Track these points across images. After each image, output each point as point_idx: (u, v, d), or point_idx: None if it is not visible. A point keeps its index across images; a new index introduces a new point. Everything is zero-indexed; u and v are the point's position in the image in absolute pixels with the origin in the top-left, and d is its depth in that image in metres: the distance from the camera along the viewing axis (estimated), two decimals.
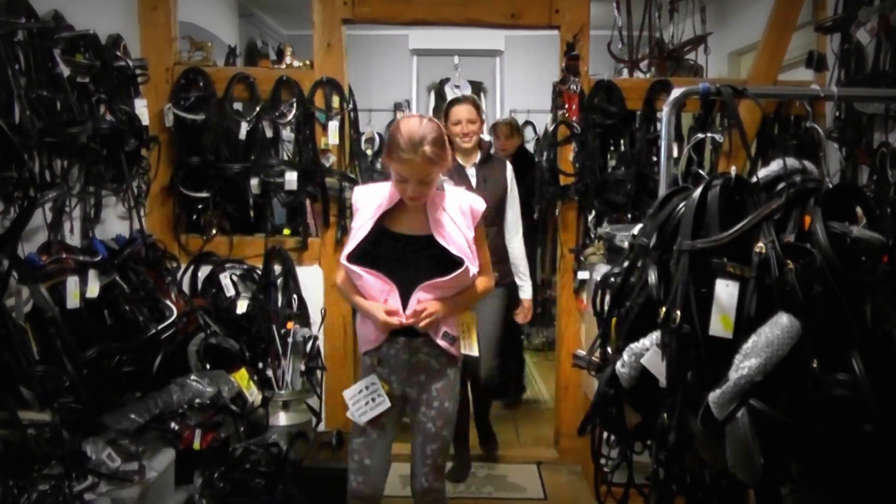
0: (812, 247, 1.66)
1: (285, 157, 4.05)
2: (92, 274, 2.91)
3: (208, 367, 3.45)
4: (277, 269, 4.01)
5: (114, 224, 3.49)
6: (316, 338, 3.99)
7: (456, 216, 2.58)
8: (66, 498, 2.35)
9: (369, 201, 2.61)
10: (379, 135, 6.70)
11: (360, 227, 2.58)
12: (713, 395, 1.61)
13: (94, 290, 2.90)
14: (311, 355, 3.98)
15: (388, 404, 2.60)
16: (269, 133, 3.97)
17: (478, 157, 3.97)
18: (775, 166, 1.91)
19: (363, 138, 6.21)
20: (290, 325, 3.91)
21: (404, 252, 2.56)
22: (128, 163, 3.36)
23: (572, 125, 4.00)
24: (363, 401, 2.61)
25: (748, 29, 4.84)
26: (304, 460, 3.43)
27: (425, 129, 2.42)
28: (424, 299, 2.51)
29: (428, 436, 2.65)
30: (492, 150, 4.26)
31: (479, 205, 2.65)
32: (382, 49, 7.06)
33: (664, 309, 1.74)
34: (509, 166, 4.04)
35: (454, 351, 2.64)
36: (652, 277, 1.83)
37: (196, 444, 3.02)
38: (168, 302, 3.34)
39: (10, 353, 2.36)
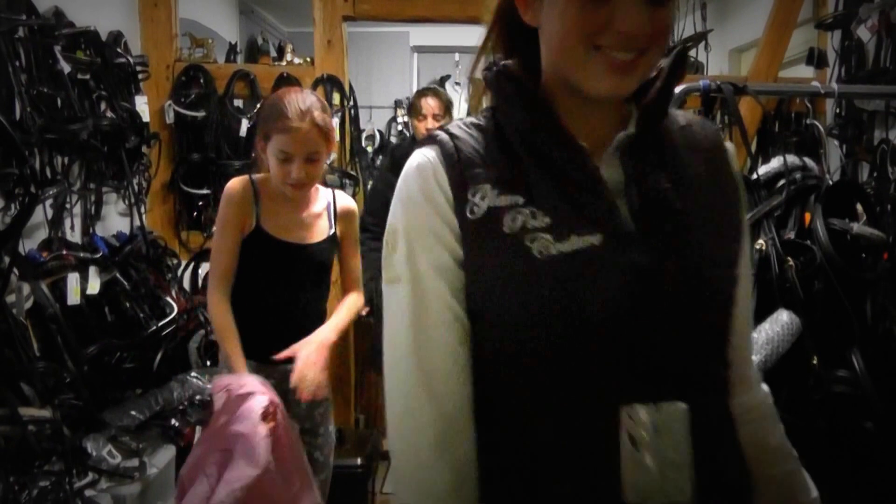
0: (812, 244, 1.66)
1: None
2: (93, 271, 2.91)
3: (209, 363, 3.45)
4: None
5: (115, 221, 3.50)
6: None
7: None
8: (66, 494, 2.35)
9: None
10: (379, 132, 6.69)
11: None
12: None
13: (94, 286, 2.90)
14: None
15: None
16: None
17: None
18: (776, 163, 1.91)
19: (364, 135, 6.21)
20: None
21: (291, 268, 2.29)
22: (129, 160, 3.36)
23: None
24: None
25: (749, 26, 4.83)
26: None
27: (310, 97, 2.21)
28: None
29: (317, 466, 2.40)
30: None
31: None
32: (383, 46, 7.05)
33: None
34: None
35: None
36: None
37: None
38: (169, 299, 3.34)
39: (10, 349, 2.36)
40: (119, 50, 3.38)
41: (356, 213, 2.46)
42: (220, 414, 2.05)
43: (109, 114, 3.21)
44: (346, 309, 2.43)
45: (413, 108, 3.76)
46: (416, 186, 0.96)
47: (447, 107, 3.75)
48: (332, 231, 2.36)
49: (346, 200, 2.43)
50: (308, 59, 4.16)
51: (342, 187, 3.99)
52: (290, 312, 2.27)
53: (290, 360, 2.21)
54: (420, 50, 7.44)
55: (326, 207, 2.37)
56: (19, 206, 2.49)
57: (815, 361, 1.59)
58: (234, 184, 2.25)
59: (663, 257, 0.89)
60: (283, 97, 2.19)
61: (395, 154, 3.84)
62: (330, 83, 3.99)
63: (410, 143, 3.68)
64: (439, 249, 0.94)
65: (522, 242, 0.89)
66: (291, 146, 2.13)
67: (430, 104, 3.68)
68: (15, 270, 2.48)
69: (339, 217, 2.39)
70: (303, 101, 2.16)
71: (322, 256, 2.35)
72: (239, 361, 2.17)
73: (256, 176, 2.29)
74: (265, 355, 2.25)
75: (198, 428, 3.03)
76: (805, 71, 4.06)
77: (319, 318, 2.34)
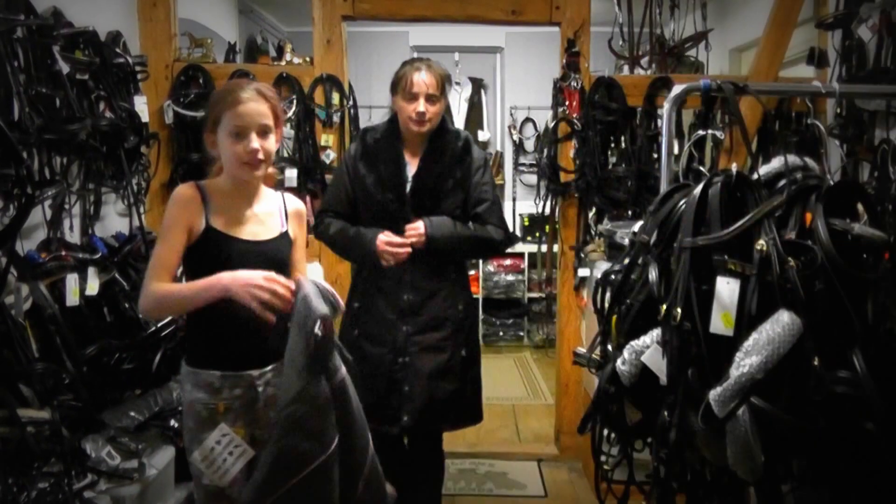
0: (813, 244, 1.66)
1: (285, 154, 4.05)
2: (92, 271, 2.91)
3: None
4: None
5: (114, 221, 3.49)
6: None
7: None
8: (65, 496, 2.35)
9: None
10: None
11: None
12: (714, 393, 1.60)
13: (93, 287, 2.90)
14: None
15: (251, 452, 2.19)
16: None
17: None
18: (776, 163, 1.90)
19: None
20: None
21: (247, 267, 2.12)
22: (127, 160, 3.35)
23: (573, 122, 4.00)
24: (220, 458, 2.16)
25: (749, 25, 4.83)
26: None
27: (257, 82, 2.26)
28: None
29: None
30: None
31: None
32: (383, 46, 7.04)
33: (665, 306, 1.73)
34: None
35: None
36: (653, 275, 1.82)
37: None
38: None
39: (9, 350, 2.36)
40: (118, 50, 3.37)
41: (304, 215, 2.44)
42: None
43: (108, 114, 3.20)
44: None
45: (399, 85, 2.89)
46: None
47: (444, 85, 2.94)
48: (285, 229, 2.32)
49: (296, 203, 2.41)
50: (307, 59, 4.15)
51: None
52: (252, 316, 2.06)
53: (257, 366, 2.21)
54: (420, 49, 7.42)
55: (278, 208, 2.34)
56: (16, 207, 2.48)
57: (816, 362, 1.58)
58: (180, 188, 2.20)
59: None
60: (230, 82, 2.37)
61: (366, 139, 3.00)
62: (329, 83, 3.99)
63: (389, 127, 2.98)
64: None
65: None
66: (244, 118, 2.13)
67: (423, 80, 2.84)
68: (14, 271, 2.47)
69: (290, 217, 2.36)
70: (249, 82, 2.24)
71: (278, 254, 2.28)
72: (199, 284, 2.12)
73: (203, 181, 2.25)
74: (230, 364, 2.19)
75: None
76: (805, 70, 4.06)
77: (283, 321, 2.13)
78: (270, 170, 2.33)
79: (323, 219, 3.03)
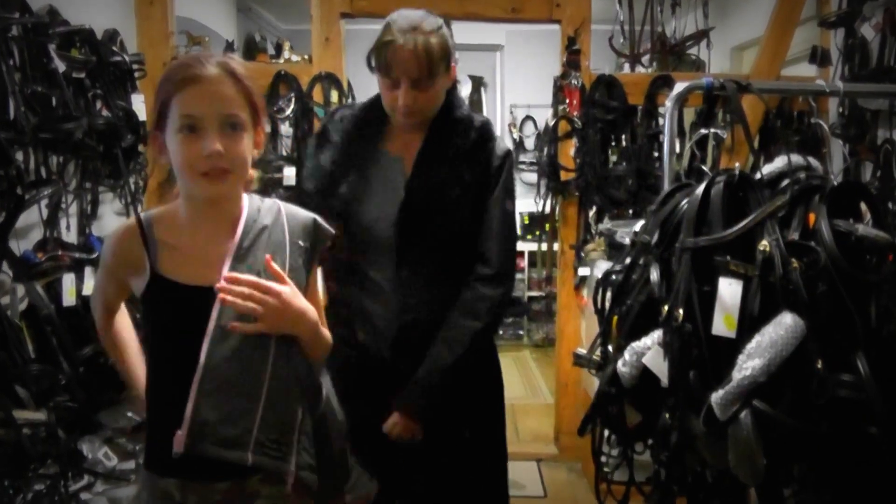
0: (816, 245, 1.64)
1: (284, 153, 4.03)
2: (88, 271, 2.89)
3: None
4: None
5: (111, 220, 3.47)
6: None
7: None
8: (62, 497, 2.34)
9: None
10: None
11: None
12: (715, 396, 1.59)
13: (90, 287, 2.88)
14: None
15: None
16: (267, 128, 3.94)
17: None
18: (779, 163, 1.89)
19: None
20: None
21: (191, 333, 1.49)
22: (124, 159, 3.33)
23: (573, 120, 3.98)
24: None
25: (751, 24, 4.81)
26: None
27: (215, 55, 1.55)
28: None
29: None
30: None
31: (307, 217, 1.69)
32: None
33: (666, 307, 1.72)
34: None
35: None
36: (654, 275, 1.81)
37: None
38: None
39: (5, 351, 2.34)
40: (114, 48, 3.36)
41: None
42: None
43: (105, 112, 3.18)
44: None
45: (376, 59, 2.10)
46: None
47: (440, 62, 2.05)
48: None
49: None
50: (306, 57, 4.14)
51: None
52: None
53: (234, 476, 1.51)
54: None
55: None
56: (7, 208, 2.47)
57: (818, 365, 1.56)
58: (114, 231, 1.61)
59: None
60: (185, 55, 1.66)
61: (329, 128, 2.25)
62: (328, 81, 3.97)
63: (368, 109, 2.22)
64: None
65: None
66: (200, 104, 1.45)
67: (406, 58, 2.01)
68: (9, 271, 2.46)
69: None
70: (211, 55, 1.53)
71: None
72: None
73: (153, 211, 1.61)
74: (196, 469, 1.50)
75: None
76: (807, 69, 4.04)
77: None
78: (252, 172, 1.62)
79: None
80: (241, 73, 1.51)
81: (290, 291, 1.53)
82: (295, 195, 2.37)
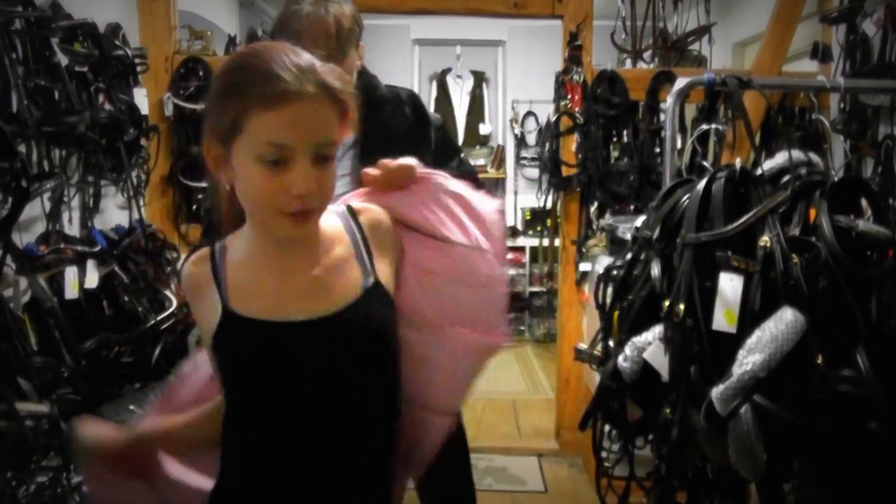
0: (817, 240, 1.64)
1: None
2: (91, 264, 2.89)
3: None
4: None
5: (113, 214, 3.48)
6: None
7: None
8: (64, 490, 2.34)
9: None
10: None
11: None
12: (716, 391, 1.59)
13: (93, 280, 2.89)
14: None
15: None
16: None
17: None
18: (780, 158, 1.89)
19: None
20: None
21: (303, 368, 1.26)
22: (127, 152, 3.33)
23: (575, 116, 3.98)
24: None
25: (753, 19, 4.81)
26: None
27: (306, 53, 1.24)
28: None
29: None
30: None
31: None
32: (384, 39, 7.02)
33: (667, 303, 1.72)
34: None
35: None
36: (655, 270, 1.81)
37: None
38: (168, 292, 3.32)
39: (8, 343, 2.35)
40: (117, 42, 3.36)
41: (389, 225, 1.40)
42: None
43: (108, 106, 3.18)
44: None
45: (285, 32, 1.99)
46: None
47: (343, 33, 1.99)
48: (372, 278, 1.32)
49: (372, 213, 1.39)
50: None
51: None
52: (320, 462, 1.27)
53: None
54: (421, 42, 7.41)
55: (351, 240, 1.35)
56: (11, 201, 2.47)
57: (819, 360, 1.57)
58: (185, 268, 1.39)
59: None
60: (262, 51, 1.22)
61: None
62: None
63: None
64: None
65: None
66: (293, 132, 1.17)
67: (315, 30, 1.92)
68: (12, 264, 2.46)
69: (375, 245, 1.36)
70: (295, 54, 1.22)
71: (369, 327, 1.29)
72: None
73: (224, 240, 1.38)
74: None
75: None
76: (809, 65, 4.04)
77: (381, 472, 1.33)
78: None
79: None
80: (340, 89, 1.23)
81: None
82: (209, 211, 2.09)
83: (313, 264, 1.30)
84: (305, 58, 1.22)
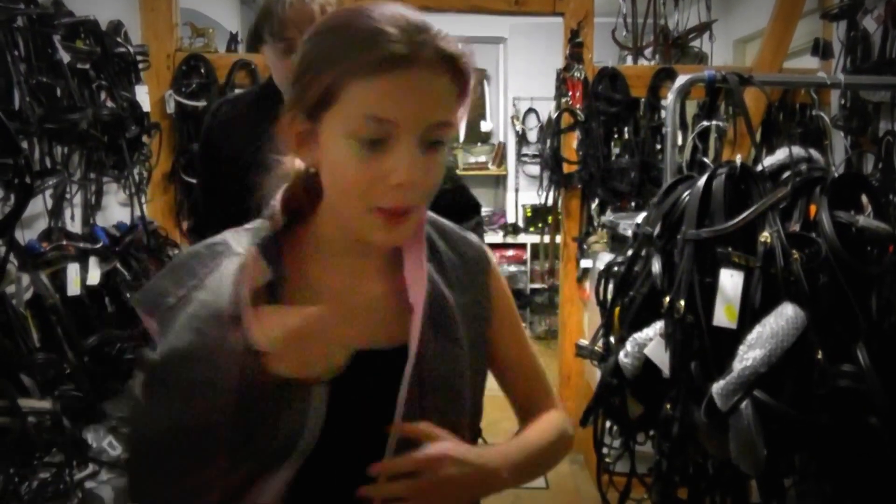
0: (818, 236, 1.65)
1: None
2: (93, 261, 2.90)
3: None
4: None
5: (115, 211, 3.48)
6: None
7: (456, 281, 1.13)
8: (66, 486, 2.35)
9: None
10: None
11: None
12: (717, 387, 1.60)
13: (95, 277, 2.89)
14: None
15: None
16: None
17: None
18: (781, 155, 1.89)
19: None
20: None
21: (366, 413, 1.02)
22: (129, 150, 3.33)
23: (576, 113, 3.98)
24: None
25: (753, 16, 4.81)
26: None
27: (417, 12, 1.00)
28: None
29: None
30: None
31: (480, 245, 1.22)
32: None
33: (668, 299, 1.73)
34: None
35: None
36: (656, 267, 1.82)
37: None
38: None
39: (10, 340, 2.35)
40: (119, 39, 3.36)
41: (491, 260, 1.22)
42: None
43: (109, 103, 3.19)
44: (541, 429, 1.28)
45: (267, 24, 1.83)
46: None
47: None
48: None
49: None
50: None
51: None
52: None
53: None
54: None
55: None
56: (15, 197, 2.48)
57: (819, 356, 1.57)
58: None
59: None
60: (366, 8, 0.97)
61: (217, 117, 1.99)
62: None
63: (259, 96, 1.95)
64: None
65: None
66: (401, 105, 0.93)
67: (303, 17, 1.78)
68: (15, 261, 2.46)
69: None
70: (409, 12, 0.99)
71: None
72: None
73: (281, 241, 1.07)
74: None
75: None
76: (810, 62, 4.04)
77: None
78: None
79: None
80: (464, 59, 0.99)
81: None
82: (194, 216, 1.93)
83: (389, 276, 1.10)
84: (420, 18, 0.98)
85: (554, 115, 4.17)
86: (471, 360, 1.13)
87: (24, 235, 2.67)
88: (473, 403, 1.17)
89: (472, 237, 1.20)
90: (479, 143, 7.44)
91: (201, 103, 3.81)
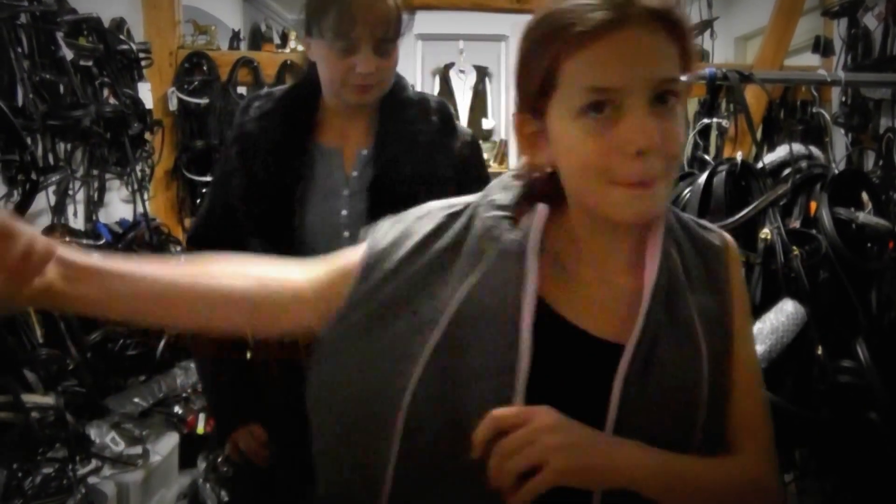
0: (818, 233, 1.65)
1: None
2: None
3: None
4: None
5: (117, 208, 3.49)
6: None
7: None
8: (70, 482, 2.35)
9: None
10: None
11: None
12: None
13: None
14: None
15: None
16: None
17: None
18: (781, 152, 1.90)
19: None
20: None
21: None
22: (132, 146, 3.34)
23: None
24: None
25: (755, 13, 4.81)
26: None
27: None
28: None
29: None
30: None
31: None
32: None
33: None
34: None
35: None
36: None
37: (200, 429, 3.03)
38: None
39: (13, 336, 2.36)
40: (122, 37, 3.37)
41: (731, 246, 1.11)
42: None
43: (112, 100, 3.20)
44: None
45: (319, 18, 1.61)
46: None
47: (402, 19, 1.63)
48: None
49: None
50: None
51: None
52: None
53: None
54: (424, 38, 7.40)
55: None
56: (21, 193, 2.48)
57: (819, 352, 1.58)
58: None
59: None
60: None
61: (248, 116, 1.77)
62: None
63: (294, 95, 1.79)
64: None
65: None
66: (619, 70, 0.89)
67: (369, 13, 1.56)
68: None
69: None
70: None
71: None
72: None
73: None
74: None
75: (200, 415, 3.03)
76: (811, 59, 4.04)
77: None
78: None
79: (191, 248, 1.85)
80: (676, 12, 0.92)
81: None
82: (205, 215, 1.86)
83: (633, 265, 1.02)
84: None
85: None
86: (709, 373, 0.98)
87: None
88: (710, 426, 0.97)
89: (712, 227, 1.11)
90: (480, 141, 7.44)
91: (203, 100, 3.82)
